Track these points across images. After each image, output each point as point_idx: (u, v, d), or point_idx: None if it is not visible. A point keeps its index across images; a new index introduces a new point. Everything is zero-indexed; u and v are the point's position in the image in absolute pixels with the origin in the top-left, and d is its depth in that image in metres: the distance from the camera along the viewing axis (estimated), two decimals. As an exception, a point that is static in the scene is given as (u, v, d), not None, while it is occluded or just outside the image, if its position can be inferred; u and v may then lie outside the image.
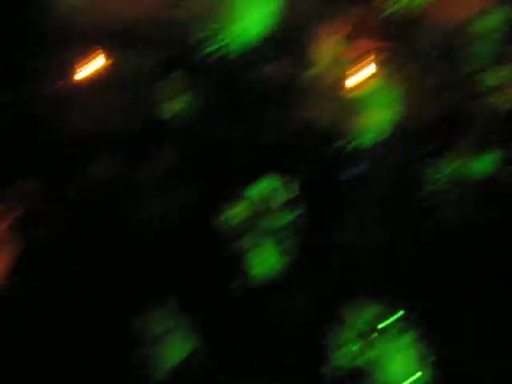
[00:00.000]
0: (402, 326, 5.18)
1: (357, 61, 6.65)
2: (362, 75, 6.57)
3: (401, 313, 5.21)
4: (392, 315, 5.25)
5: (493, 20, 6.33)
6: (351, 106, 6.42)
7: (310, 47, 6.58)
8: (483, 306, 5.65)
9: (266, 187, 5.69)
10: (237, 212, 5.69)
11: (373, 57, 6.75)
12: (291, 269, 5.71)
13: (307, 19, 6.63)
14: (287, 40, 6.50)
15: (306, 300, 5.76)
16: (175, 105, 6.16)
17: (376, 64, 6.66)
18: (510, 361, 5.34)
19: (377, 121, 6.29)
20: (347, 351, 5.27)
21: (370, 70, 6.59)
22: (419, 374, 5.29)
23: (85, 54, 6.45)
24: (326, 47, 6.74)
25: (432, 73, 6.49)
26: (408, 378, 5.31)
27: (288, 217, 5.70)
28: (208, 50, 6.11)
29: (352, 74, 6.63)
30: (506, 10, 6.32)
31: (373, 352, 5.28)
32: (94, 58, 6.48)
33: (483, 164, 5.84)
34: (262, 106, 6.28)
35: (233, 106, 6.29)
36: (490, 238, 5.78)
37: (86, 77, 6.57)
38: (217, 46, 6.11)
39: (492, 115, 6.29)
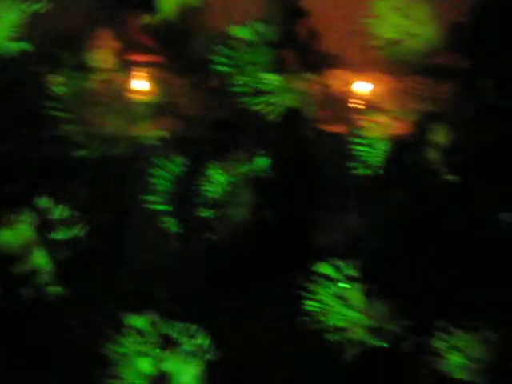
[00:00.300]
0: (194, 338, 5.21)
1: (132, 70, 6.67)
2: (138, 85, 6.61)
3: (192, 325, 5.23)
4: (183, 327, 5.27)
5: (258, 30, 6.60)
6: (129, 114, 6.43)
7: (85, 55, 6.50)
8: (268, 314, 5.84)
9: (44, 203, 5.56)
10: (15, 230, 5.51)
11: (148, 66, 6.80)
12: (77, 282, 5.63)
13: (80, 26, 6.54)
14: (59, 46, 6.37)
15: (92, 313, 5.67)
16: None
17: (150, 74, 6.72)
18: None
19: (152, 129, 6.34)
20: (138, 363, 5.21)
21: (144, 80, 6.64)
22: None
23: None
24: (102, 55, 6.69)
25: (204, 81, 6.65)
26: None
27: (68, 233, 5.60)
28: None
29: (128, 84, 6.64)
30: (271, 21, 6.62)
31: (165, 364, 5.26)
32: None
33: (256, 167, 6.07)
34: (30, 119, 6.11)
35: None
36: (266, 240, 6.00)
37: None
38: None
39: (262, 119, 6.56)
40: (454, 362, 5.22)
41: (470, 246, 5.63)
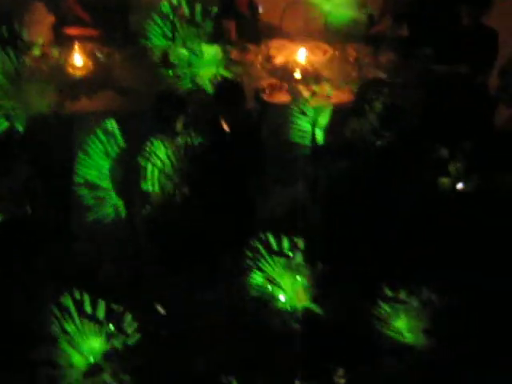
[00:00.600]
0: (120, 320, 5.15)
1: (69, 45, 6.57)
2: (75, 59, 6.51)
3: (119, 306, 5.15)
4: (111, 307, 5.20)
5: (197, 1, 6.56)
6: (65, 89, 6.34)
7: (18, 29, 6.39)
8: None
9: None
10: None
11: (85, 40, 6.71)
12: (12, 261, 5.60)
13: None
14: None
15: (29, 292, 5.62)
16: None
17: (87, 48, 6.63)
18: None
19: (91, 104, 6.28)
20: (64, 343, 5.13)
21: (82, 54, 6.54)
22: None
23: None
24: (37, 30, 6.58)
25: (142, 55, 6.59)
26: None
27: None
28: None
29: (65, 58, 6.54)
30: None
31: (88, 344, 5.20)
32: None
33: (198, 140, 6.03)
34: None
35: None
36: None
37: None
38: None
39: (203, 92, 6.52)
40: (399, 326, 5.31)
41: (412, 211, 5.71)
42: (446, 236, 5.63)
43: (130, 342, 5.08)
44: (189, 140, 5.78)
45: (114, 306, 5.08)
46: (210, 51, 6.49)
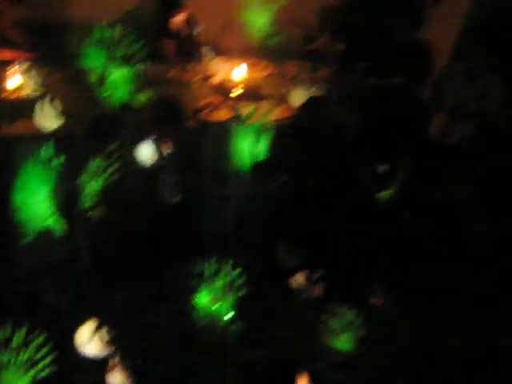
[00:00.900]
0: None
1: (5, 68, 6.51)
2: (11, 82, 6.44)
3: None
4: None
5: (133, 21, 6.53)
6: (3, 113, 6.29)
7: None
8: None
9: None
10: None
11: (21, 63, 6.64)
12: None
13: None
14: None
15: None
16: None
17: (24, 70, 6.57)
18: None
19: (29, 127, 6.21)
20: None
21: (18, 76, 6.48)
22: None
23: None
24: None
25: (79, 76, 6.55)
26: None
27: None
28: None
29: (1, 81, 6.48)
30: (147, 12, 6.56)
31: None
32: None
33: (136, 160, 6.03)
34: None
35: None
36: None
37: None
38: None
39: (140, 111, 6.50)
40: (346, 338, 5.35)
41: (353, 224, 5.76)
42: (386, 248, 5.69)
43: (44, 373, 5.00)
44: (126, 160, 5.76)
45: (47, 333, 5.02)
46: (147, 72, 6.47)
